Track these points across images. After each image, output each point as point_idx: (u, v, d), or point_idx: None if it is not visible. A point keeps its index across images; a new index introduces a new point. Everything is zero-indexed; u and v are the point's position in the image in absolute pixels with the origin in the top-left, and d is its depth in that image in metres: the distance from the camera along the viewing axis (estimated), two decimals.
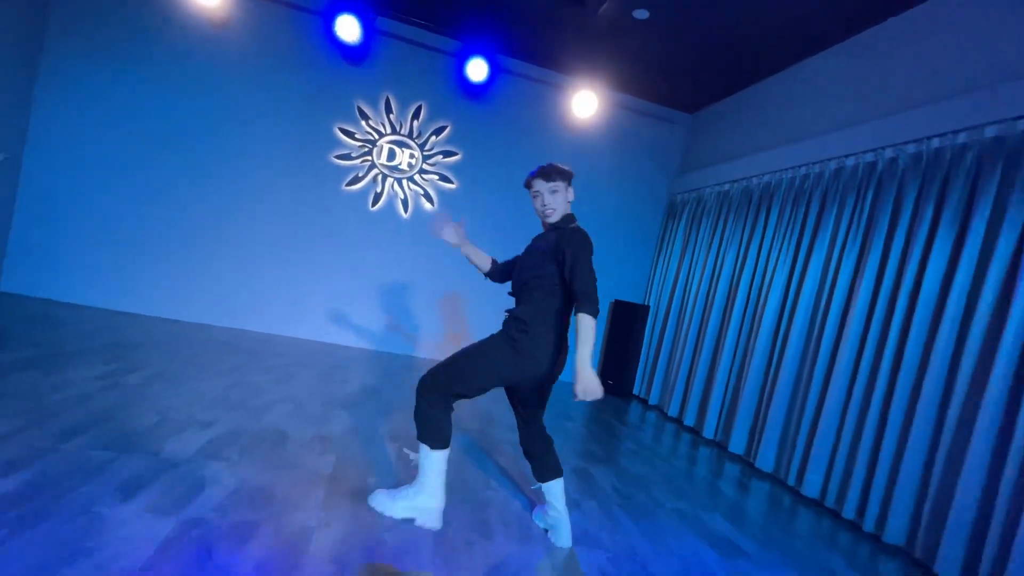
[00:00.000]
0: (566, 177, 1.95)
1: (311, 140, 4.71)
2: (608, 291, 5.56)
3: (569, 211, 1.98)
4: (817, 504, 3.10)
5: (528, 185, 1.97)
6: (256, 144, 4.60)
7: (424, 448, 1.89)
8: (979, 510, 2.32)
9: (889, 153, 3.13)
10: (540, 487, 2.05)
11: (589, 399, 1.68)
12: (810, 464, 3.13)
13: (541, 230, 2.04)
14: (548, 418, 3.80)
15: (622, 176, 5.48)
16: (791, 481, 3.29)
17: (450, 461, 2.14)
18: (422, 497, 1.90)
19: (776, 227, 3.93)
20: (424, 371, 1.96)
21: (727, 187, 4.63)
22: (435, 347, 5.04)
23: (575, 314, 1.77)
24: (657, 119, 5.49)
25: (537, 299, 1.89)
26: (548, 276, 1.87)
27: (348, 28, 4.20)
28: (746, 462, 3.72)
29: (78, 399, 2.41)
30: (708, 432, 4.12)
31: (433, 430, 1.87)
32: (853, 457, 2.93)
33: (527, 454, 2.07)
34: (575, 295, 1.77)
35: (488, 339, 1.94)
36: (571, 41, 4.53)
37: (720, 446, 4.02)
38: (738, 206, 4.42)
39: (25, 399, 2.30)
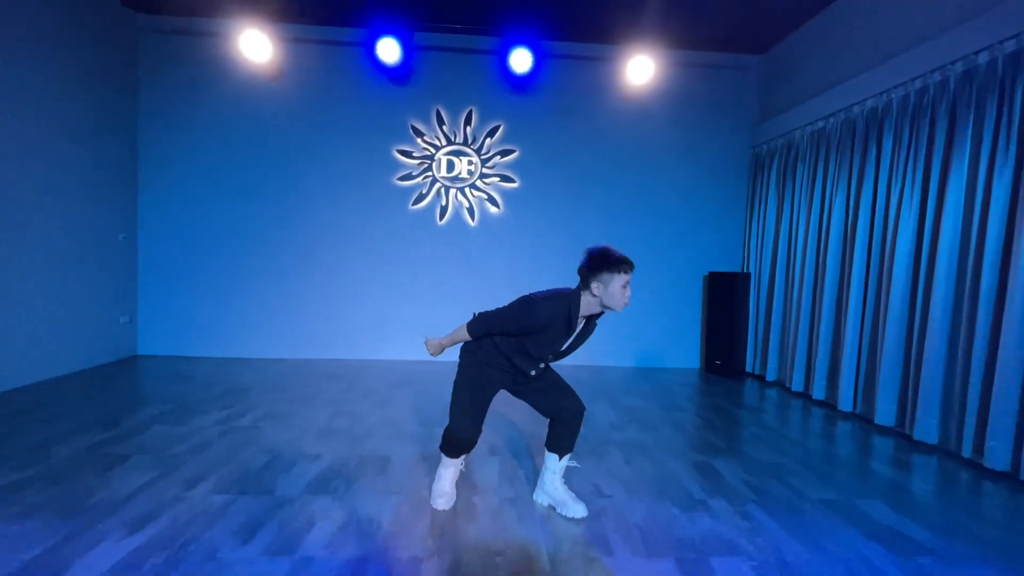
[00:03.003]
0: None
1: (374, 167, 4.82)
2: (699, 264, 5.12)
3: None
4: (1008, 477, 2.53)
5: (620, 270, 1.78)
6: (326, 183, 4.79)
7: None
8: None
9: None
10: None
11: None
12: (989, 430, 2.58)
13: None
14: (657, 408, 3.53)
15: (695, 140, 5.02)
16: (966, 452, 2.73)
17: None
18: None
19: (894, 156, 3.34)
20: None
21: (821, 124, 4.04)
22: None
23: None
24: (724, 69, 4.98)
25: None
26: None
27: (388, 50, 4.23)
28: (901, 434, 3.17)
29: (200, 447, 2.57)
30: (844, 404, 3.59)
31: None
32: None
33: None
34: None
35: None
36: (614, 7, 4.22)
37: (863, 419, 3.48)
38: (840, 142, 3.84)
39: (157, 452, 2.48)
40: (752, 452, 2.79)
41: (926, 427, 2.95)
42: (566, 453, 2.06)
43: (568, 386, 2.08)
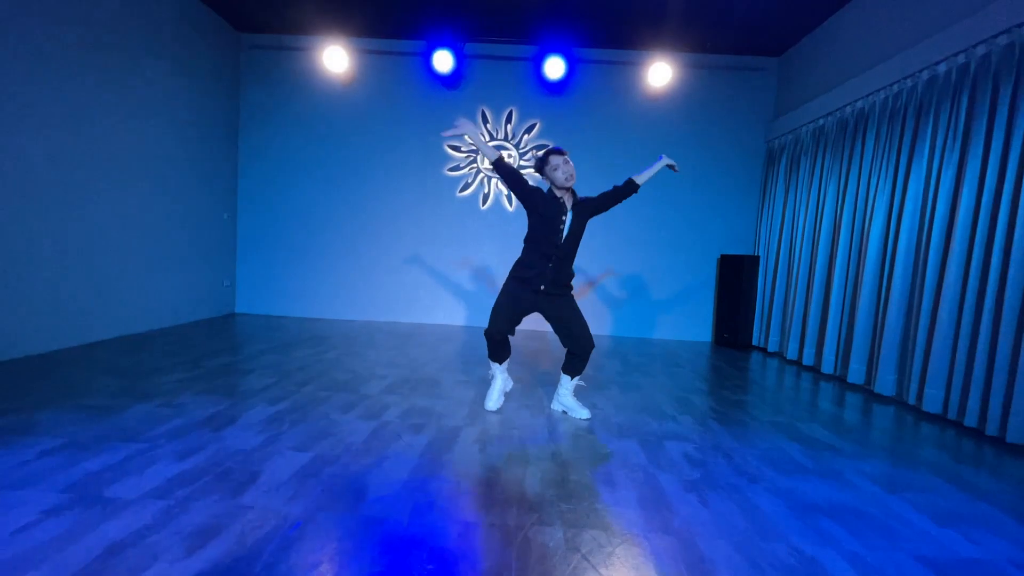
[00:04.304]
0: None
1: (428, 159, 5.66)
2: (713, 247, 5.68)
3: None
4: (940, 418, 3.07)
5: (549, 162, 2.60)
6: (389, 172, 5.68)
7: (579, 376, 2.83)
8: None
9: (981, 50, 2.99)
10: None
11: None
12: (928, 380, 3.11)
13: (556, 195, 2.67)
14: (660, 365, 4.19)
15: (715, 134, 5.56)
16: (911, 400, 3.27)
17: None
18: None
19: (874, 152, 3.84)
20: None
21: (821, 122, 4.53)
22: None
23: (631, 190, 2.79)
24: (743, 71, 5.48)
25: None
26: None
27: (442, 61, 5.03)
28: (866, 390, 3.71)
29: (301, 368, 3.48)
30: (827, 368, 4.13)
31: None
32: (970, 367, 2.88)
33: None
34: (624, 190, 2.77)
35: (575, 302, 2.77)
36: (641, 16, 4.83)
37: (840, 379, 4.02)
38: (834, 139, 4.33)
39: (273, 368, 3.41)
40: (728, 394, 3.43)
41: (885, 381, 3.49)
42: (576, 375, 2.80)
43: (586, 324, 2.73)
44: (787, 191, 5.07)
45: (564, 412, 2.80)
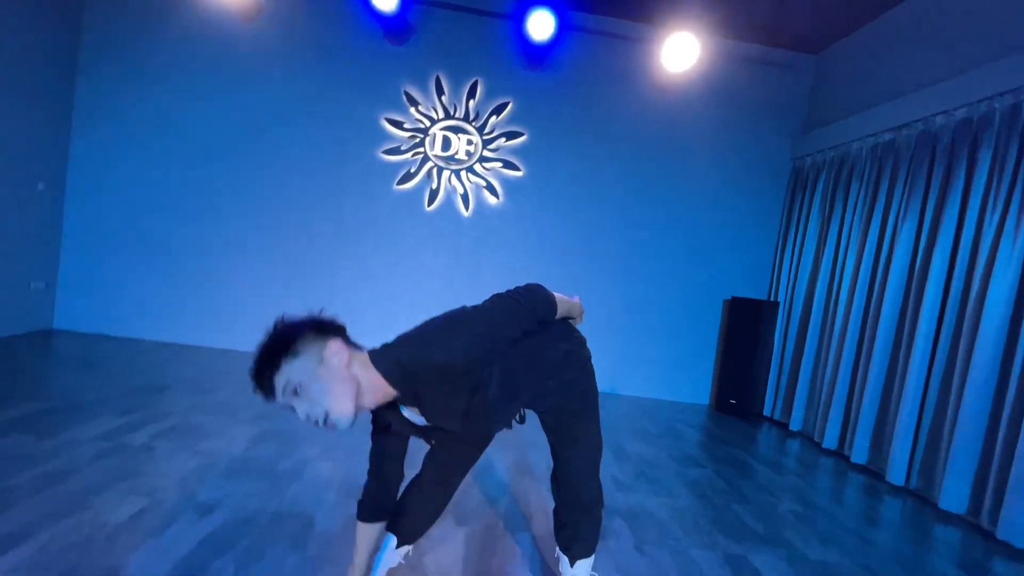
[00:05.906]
0: (307, 339, 1.07)
1: (356, 136, 4.10)
2: (720, 286, 4.47)
3: (376, 373, 1.08)
4: None
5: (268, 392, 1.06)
6: (297, 147, 4.07)
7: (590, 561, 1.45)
8: None
9: None
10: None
11: None
12: None
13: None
14: (668, 460, 2.87)
15: (728, 145, 4.37)
16: None
17: None
18: None
19: (991, 178, 2.70)
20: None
21: (889, 136, 3.41)
22: None
23: None
24: (767, 65, 4.33)
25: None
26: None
27: None
28: (974, 526, 2.53)
29: (54, 478, 1.84)
30: (895, 477, 2.94)
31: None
32: None
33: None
34: None
35: (595, 396, 1.37)
36: None
37: (919, 497, 2.84)
38: (914, 158, 3.20)
39: None
40: (799, 543, 2.12)
41: (1012, 524, 2.31)
42: (579, 558, 1.40)
43: (598, 452, 1.38)
44: (826, 222, 3.93)
45: None
